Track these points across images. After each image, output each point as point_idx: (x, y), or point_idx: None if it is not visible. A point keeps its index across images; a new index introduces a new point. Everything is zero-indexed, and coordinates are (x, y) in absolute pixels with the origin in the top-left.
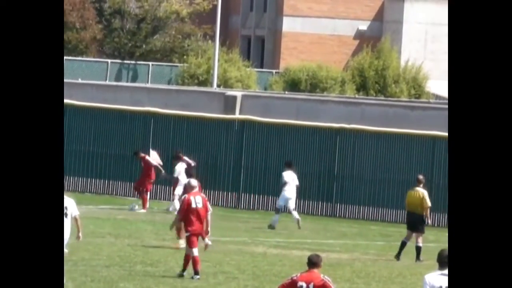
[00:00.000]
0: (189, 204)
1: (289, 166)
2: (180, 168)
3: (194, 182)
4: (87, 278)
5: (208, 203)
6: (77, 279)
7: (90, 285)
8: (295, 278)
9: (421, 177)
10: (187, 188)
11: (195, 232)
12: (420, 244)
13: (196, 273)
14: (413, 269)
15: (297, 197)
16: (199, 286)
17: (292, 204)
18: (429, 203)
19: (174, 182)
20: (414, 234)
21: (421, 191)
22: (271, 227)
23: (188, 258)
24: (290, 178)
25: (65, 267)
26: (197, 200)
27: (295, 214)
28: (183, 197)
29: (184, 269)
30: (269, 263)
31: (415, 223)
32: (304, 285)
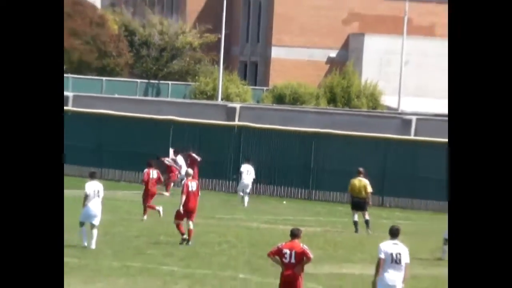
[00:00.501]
0: (188, 187)
1: (247, 161)
2: (180, 160)
3: (190, 171)
4: (122, 246)
5: (199, 188)
6: (115, 247)
7: (126, 252)
8: (280, 246)
9: (361, 169)
10: (186, 176)
11: (188, 209)
12: (368, 218)
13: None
14: (370, 239)
15: (277, 184)
16: (208, 252)
17: (247, 189)
18: (371, 189)
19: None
20: (360, 213)
21: (364, 180)
22: (240, 200)
23: (180, 226)
24: (245, 169)
25: (105, 239)
26: (193, 185)
27: (246, 198)
28: (183, 182)
29: (183, 234)
30: (261, 234)
31: (360, 204)
32: (288, 251)
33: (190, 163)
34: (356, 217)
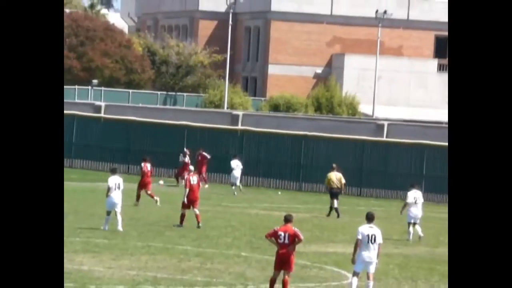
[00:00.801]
0: (190, 181)
1: (234, 156)
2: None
3: (192, 167)
4: (145, 229)
5: (200, 182)
6: (139, 229)
7: (147, 234)
8: (276, 229)
9: (334, 165)
10: (189, 171)
11: (191, 199)
12: (337, 206)
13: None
14: (350, 223)
15: (273, 178)
16: (216, 234)
17: (238, 182)
18: (344, 181)
19: (184, 166)
20: (335, 201)
21: (339, 174)
22: (233, 192)
23: (183, 216)
24: (235, 164)
25: (130, 222)
26: (194, 179)
27: (235, 189)
28: (185, 177)
29: (181, 222)
30: (260, 219)
31: (336, 194)
32: (282, 234)
33: (201, 159)
34: (336, 204)
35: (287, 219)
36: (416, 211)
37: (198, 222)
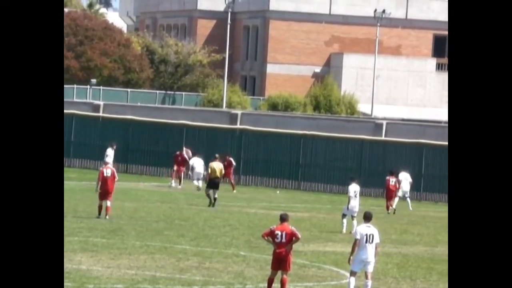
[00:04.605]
0: (103, 173)
1: (196, 154)
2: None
3: (108, 160)
4: (143, 228)
5: (114, 174)
6: (137, 229)
7: (146, 233)
8: (272, 228)
9: (217, 155)
10: (105, 163)
11: (104, 191)
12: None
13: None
14: (350, 223)
15: (271, 177)
16: (214, 233)
17: (201, 176)
18: (223, 172)
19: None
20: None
21: (221, 164)
22: (199, 188)
23: (100, 207)
24: (196, 161)
25: (129, 222)
26: (107, 171)
27: (200, 183)
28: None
29: (99, 214)
30: (258, 219)
31: (217, 184)
32: (279, 233)
33: (227, 164)
34: (216, 194)
35: (283, 218)
36: (354, 203)
37: (106, 214)
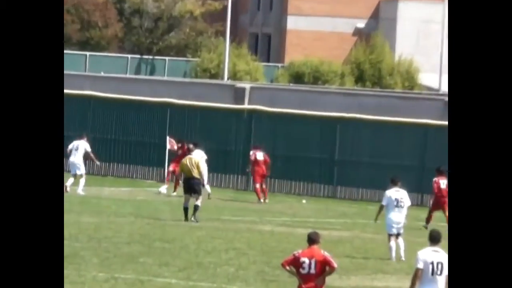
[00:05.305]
0: None
1: (195, 145)
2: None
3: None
4: (110, 254)
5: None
6: (101, 255)
7: (113, 260)
8: (297, 254)
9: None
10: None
11: None
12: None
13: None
14: (410, 246)
15: (294, 180)
16: (213, 261)
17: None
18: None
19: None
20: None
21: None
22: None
23: None
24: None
25: (90, 244)
26: None
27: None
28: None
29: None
30: (276, 240)
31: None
32: (307, 260)
33: (264, 162)
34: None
35: (312, 239)
36: (398, 216)
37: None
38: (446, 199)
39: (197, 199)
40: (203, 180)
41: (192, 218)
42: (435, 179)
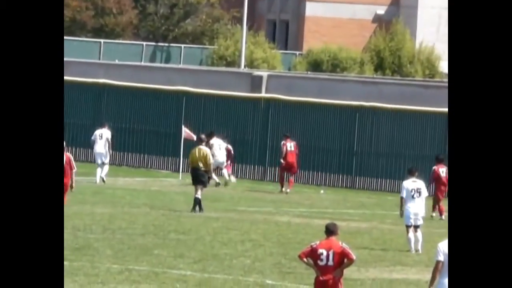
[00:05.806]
0: None
1: (210, 135)
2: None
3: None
4: (124, 245)
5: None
6: (115, 246)
7: (127, 252)
8: (314, 246)
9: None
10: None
11: None
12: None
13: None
14: (428, 237)
15: (312, 170)
16: (228, 253)
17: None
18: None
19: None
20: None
21: (207, 149)
22: (218, 184)
23: None
24: (217, 143)
25: (104, 235)
26: None
27: (226, 174)
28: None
29: None
30: (293, 231)
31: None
32: (325, 252)
33: (286, 150)
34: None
35: (331, 231)
36: (417, 207)
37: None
38: (446, 188)
39: (201, 190)
40: (210, 172)
41: (197, 209)
42: (434, 167)
